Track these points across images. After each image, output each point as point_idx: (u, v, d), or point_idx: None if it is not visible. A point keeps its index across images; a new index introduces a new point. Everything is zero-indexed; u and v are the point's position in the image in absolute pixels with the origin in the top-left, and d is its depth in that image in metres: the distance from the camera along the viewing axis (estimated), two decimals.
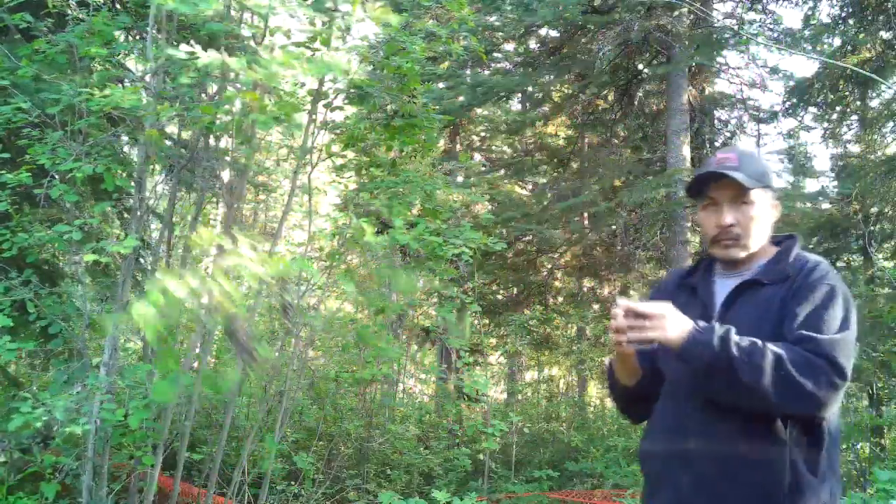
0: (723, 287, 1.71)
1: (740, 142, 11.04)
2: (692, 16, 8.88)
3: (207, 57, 2.78)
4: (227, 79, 3.12)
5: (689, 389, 1.59)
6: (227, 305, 1.93)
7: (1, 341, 3.15)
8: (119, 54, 3.67)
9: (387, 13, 3.28)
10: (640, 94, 10.80)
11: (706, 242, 1.70)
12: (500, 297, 12.09)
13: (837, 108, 9.58)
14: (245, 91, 3.18)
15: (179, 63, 2.99)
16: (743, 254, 1.67)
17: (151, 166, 4.12)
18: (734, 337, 1.48)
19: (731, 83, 10.65)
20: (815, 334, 1.50)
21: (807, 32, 8.80)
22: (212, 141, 4.17)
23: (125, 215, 4.38)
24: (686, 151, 9.09)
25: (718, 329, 1.50)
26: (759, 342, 1.48)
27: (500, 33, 10.29)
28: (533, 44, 11.54)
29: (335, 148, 4.49)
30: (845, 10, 8.68)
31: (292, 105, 3.03)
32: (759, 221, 1.68)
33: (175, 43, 3.50)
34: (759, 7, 9.42)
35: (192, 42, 3.32)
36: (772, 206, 1.73)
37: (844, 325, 1.53)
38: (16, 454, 3.74)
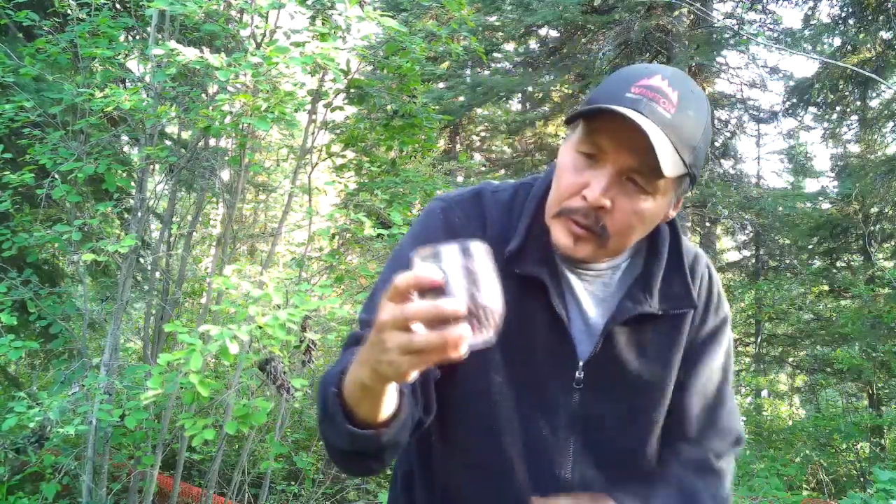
0: (584, 296, 1.08)
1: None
2: (692, 16, 8.89)
3: (191, 55, 2.80)
4: (226, 80, 3.12)
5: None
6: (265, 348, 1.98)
7: (5, 340, 3.15)
8: (120, 54, 3.66)
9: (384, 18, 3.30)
10: None
11: (552, 206, 1.02)
12: None
13: (837, 108, 9.59)
14: (238, 93, 3.18)
15: (172, 61, 2.99)
16: (592, 258, 1.04)
17: (152, 166, 4.12)
18: None
19: (731, 83, 10.70)
20: (730, 445, 1.14)
21: (807, 32, 8.80)
22: (212, 141, 4.17)
23: (125, 215, 4.38)
24: None
25: None
26: None
27: (500, 33, 10.30)
28: (533, 44, 11.54)
29: (335, 148, 4.49)
30: (845, 10, 8.68)
31: (281, 94, 3.01)
32: (647, 224, 1.01)
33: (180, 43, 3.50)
34: (759, 7, 9.42)
35: (201, 45, 3.33)
36: (674, 203, 1.04)
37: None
38: (10, 454, 3.74)
